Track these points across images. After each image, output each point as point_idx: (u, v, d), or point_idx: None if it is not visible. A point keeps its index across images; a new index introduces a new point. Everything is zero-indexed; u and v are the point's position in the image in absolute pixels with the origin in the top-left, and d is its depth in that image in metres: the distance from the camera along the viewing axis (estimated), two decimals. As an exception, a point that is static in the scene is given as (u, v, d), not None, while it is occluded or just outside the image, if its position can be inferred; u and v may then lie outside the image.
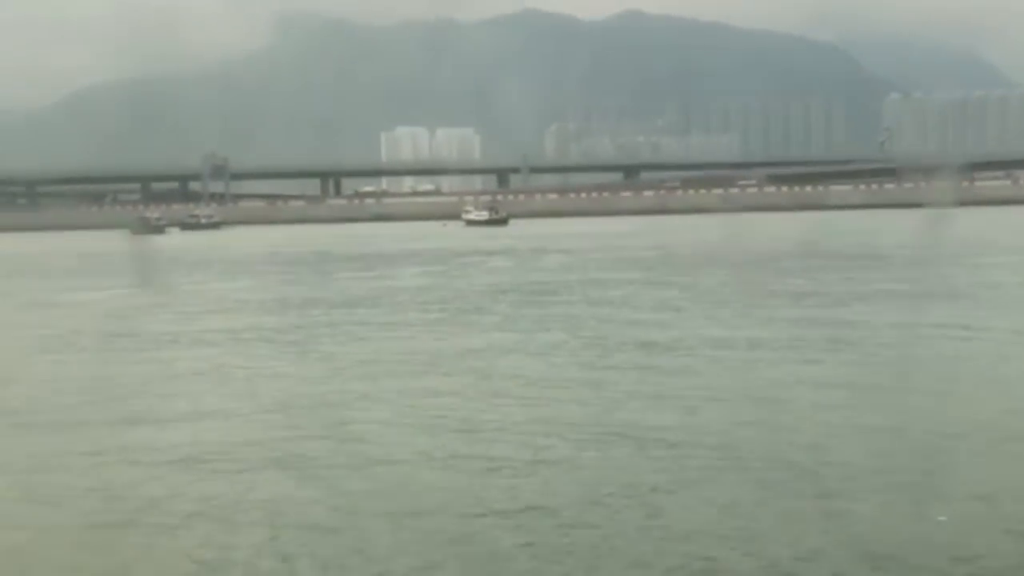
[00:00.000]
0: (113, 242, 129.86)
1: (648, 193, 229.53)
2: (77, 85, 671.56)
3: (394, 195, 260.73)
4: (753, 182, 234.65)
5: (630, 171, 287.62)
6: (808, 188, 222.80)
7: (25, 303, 49.76)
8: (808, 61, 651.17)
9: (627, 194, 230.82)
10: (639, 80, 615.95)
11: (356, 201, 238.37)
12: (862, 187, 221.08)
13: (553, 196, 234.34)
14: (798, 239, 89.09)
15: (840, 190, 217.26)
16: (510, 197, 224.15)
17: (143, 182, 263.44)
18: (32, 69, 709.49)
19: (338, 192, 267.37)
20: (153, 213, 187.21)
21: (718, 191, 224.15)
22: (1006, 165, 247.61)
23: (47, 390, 25.84)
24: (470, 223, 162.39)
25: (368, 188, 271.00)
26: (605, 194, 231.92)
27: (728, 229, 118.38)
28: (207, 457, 18.72)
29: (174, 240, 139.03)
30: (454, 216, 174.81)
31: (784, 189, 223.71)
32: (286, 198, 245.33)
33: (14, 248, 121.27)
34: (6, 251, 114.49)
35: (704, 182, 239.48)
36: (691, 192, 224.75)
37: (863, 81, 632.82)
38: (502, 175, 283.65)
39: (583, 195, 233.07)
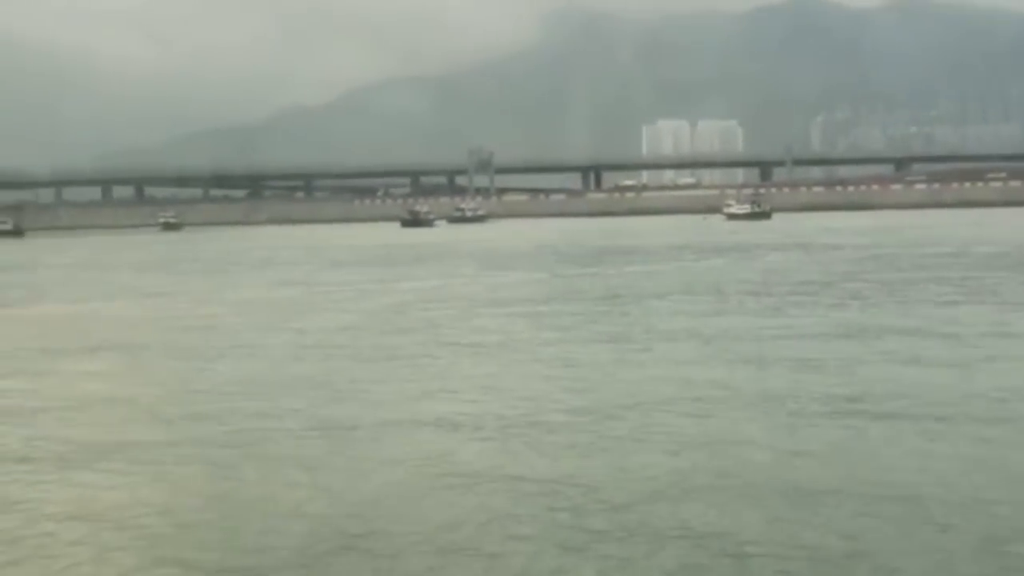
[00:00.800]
0: (387, 234, 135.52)
1: (920, 186, 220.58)
2: (353, 84, 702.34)
3: (654, 189, 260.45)
4: (1003, 175, 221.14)
5: (901, 163, 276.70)
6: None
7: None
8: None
9: (897, 187, 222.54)
10: (911, 68, 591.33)
11: (616, 195, 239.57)
12: None
13: (818, 189, 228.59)
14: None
15: None
16: (773, 190, 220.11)
17: (412, 176, 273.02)
18: (311, 68, 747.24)
19: (598, 186, 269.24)
20: (422, 207, 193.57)
21: (996, 184, 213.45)
22: None
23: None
24: (731, 217, 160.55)
25: (628, 182, 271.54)
26: (874, 187, 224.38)
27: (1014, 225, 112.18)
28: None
29: (443, 233, 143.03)
30: (714, 210, 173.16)
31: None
32: (547, 192, 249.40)
33: (299, 239, 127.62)
34: (298, 242, 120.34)
35: (953, 175, 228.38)
36: (968, 186, 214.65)
37: None
38: (765, 168, 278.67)
39: (850, 188, 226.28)
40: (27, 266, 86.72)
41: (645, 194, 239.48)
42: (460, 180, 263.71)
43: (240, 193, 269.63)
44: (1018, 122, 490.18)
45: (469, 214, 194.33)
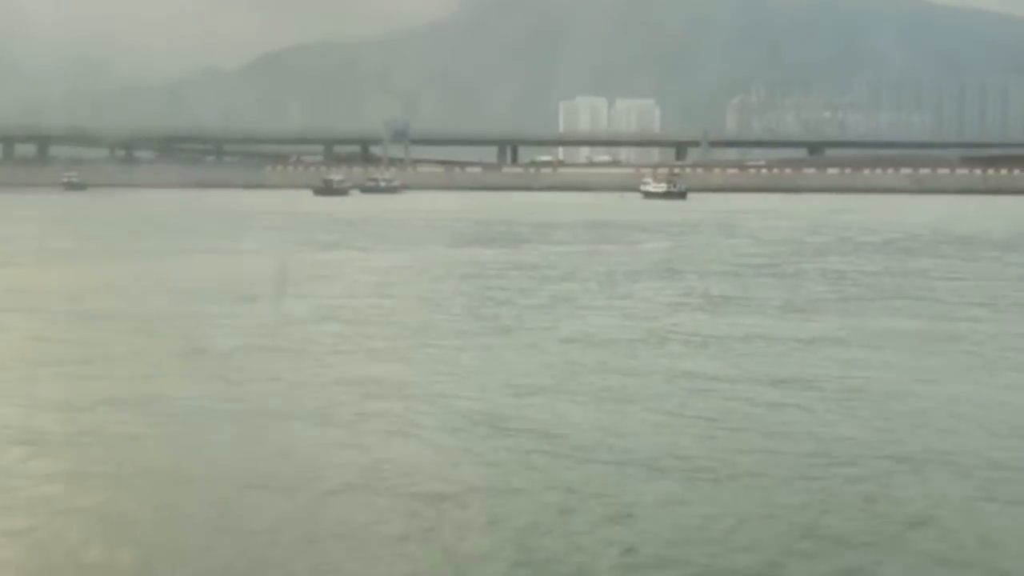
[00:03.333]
0: (301, 202, 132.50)
1: (833, 171, 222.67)
2: (266, 48, 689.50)
3: (570, 165, 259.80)
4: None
5: (814, 148, 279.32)
6: (1004, 172, 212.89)
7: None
8: (1013, 40, 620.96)
9: (810, 171, 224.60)
10: (828, 54, 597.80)
11: (532, 170, 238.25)
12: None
13: (733, 171, 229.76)
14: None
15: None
16: (688, 170, 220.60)
17: (325, 144, 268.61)
18: (222, 31, 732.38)
19: (515, 160, 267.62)
20: (336, 175, 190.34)
21: (907, 171, 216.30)
22: None
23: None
24: (648, 195, 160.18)
25: (545, 157, 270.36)
26: (787, 170, 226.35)
27: (930, 211, 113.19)
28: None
29: (359, 203, 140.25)
30: (630, 188, 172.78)
31: (978, 172, 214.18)
32: (463, 164, 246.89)
33: (209, 203, 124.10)
34: (208, 206, 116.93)
35: (865, 161, 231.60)
36: (879, 172, 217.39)
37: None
38: (681, 148, 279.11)
39: (764, 171, 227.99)
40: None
41: (561, 170, 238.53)
42: (375, 150, 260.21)
43: (148, 155, 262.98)
44: (930, 111, 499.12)
45: (383, 184, 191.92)
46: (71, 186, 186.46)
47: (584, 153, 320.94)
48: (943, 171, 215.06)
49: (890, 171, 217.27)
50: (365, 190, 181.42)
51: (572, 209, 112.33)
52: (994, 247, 62.79)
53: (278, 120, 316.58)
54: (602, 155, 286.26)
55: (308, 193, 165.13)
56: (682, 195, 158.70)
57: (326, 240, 64.47)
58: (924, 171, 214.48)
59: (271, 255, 52.27)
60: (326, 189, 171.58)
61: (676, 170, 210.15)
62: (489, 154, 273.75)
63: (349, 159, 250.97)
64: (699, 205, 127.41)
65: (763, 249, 58.85)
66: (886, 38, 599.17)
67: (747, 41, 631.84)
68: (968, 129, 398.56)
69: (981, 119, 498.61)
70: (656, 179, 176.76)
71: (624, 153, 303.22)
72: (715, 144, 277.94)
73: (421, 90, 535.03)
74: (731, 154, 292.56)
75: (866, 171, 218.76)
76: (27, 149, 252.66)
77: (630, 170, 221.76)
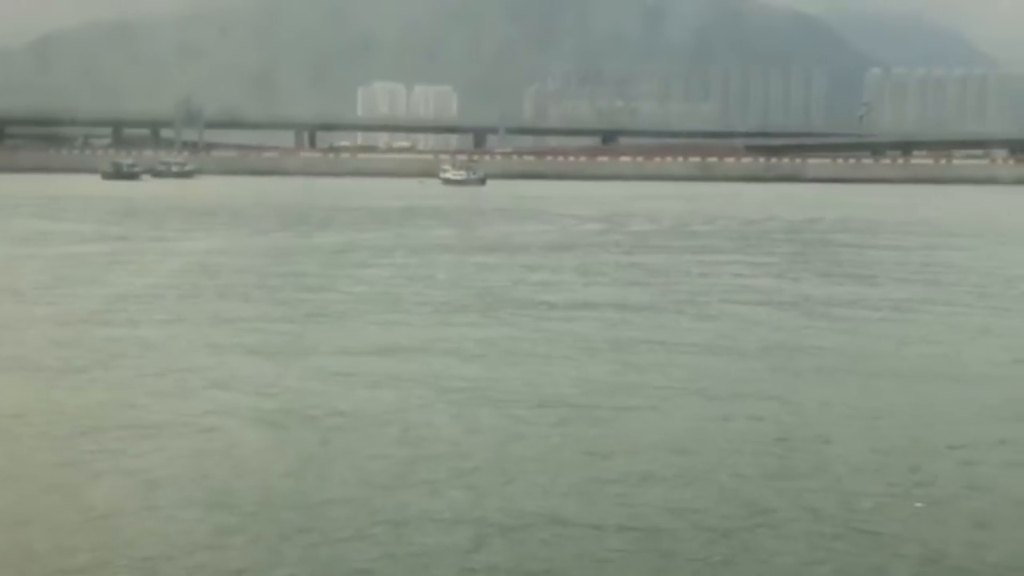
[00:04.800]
0: (90, 187, 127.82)
1: (626, 159, 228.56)
2: (50, 26, 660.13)
3: (369, 151, 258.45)
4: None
5: (608, 136, 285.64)
6: (785, 160, 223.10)
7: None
8: (791, 33, 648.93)
9: (604, 159, 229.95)
10: (620, 44, 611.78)
11: (331, 155, 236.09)
12: (839, 161, 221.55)
13: (530, 158, 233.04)
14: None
15: (818, 163, 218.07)
16: (487, 157, 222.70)
17: (115, 127, 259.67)
18: (3, 8, 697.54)
19: (312, 145, 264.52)
20: (126, 159, 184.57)
21: (695, 159, 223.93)
22: (984, 144, 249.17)
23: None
24: (448, 182, 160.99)
25: (343, 143, 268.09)
26: (583, 158, 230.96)
27: (718, 198, 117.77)
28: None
29: (150, 187, 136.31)
30: (430, 174, 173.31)
31: (762, 160, 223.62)
32: (259, 149, 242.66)
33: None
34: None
35: (656, 149, 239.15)
36: (669, 160, 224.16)
37: (845, 55, 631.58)
38: (479, 135, 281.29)
39: (560, 158, 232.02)
40: None
41: (361, 156, 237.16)
42: (166, 133, 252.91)
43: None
44: (716, 101, 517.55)
45: (175, 168, 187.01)
46: None
47: (383, 139, 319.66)
48: (729, 159, 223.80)
49: (680, 159, 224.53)
50: (156, 174, 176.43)
51: (373, 195, 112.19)
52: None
53: (64, 101, 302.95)
54: (401, 141, 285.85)
55: (96, 177, 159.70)
56: (481, 181, 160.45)
57: (127, 228, 62.72)
58: (712, 159, 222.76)
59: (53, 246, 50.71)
60: (116, 173, 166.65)
61: (475, 157, 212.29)
62: (286, 139, 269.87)
63: (139, 142, 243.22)
64: (499, 191, 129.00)
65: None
66: (678, 29, 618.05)
67: (542, 27, 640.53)
68: (752, 119, 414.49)
69: (764, 109, 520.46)
70: (455, 166, 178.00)
71: (423, 139, 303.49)
72: (512, 131, 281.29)
73: (216, 72, 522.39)
74: (528, 141, 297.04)
75: (657, 159, 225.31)
76: None
77: (429, 156, 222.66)
